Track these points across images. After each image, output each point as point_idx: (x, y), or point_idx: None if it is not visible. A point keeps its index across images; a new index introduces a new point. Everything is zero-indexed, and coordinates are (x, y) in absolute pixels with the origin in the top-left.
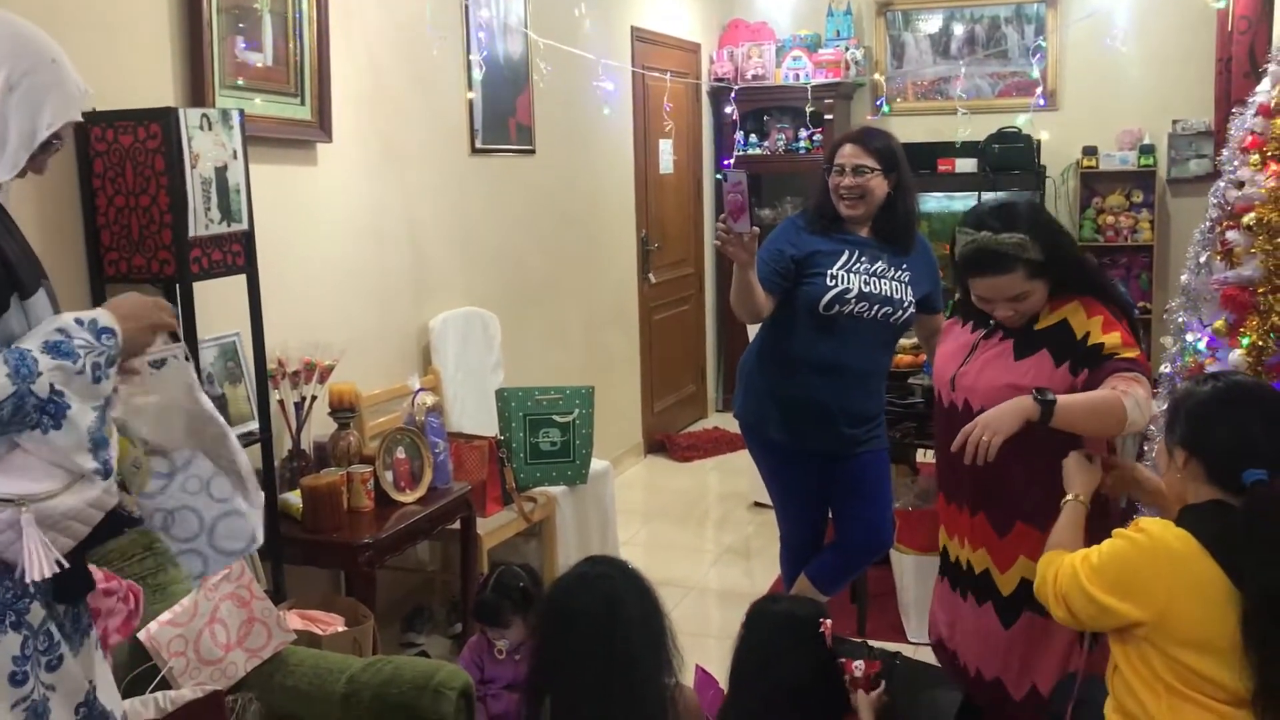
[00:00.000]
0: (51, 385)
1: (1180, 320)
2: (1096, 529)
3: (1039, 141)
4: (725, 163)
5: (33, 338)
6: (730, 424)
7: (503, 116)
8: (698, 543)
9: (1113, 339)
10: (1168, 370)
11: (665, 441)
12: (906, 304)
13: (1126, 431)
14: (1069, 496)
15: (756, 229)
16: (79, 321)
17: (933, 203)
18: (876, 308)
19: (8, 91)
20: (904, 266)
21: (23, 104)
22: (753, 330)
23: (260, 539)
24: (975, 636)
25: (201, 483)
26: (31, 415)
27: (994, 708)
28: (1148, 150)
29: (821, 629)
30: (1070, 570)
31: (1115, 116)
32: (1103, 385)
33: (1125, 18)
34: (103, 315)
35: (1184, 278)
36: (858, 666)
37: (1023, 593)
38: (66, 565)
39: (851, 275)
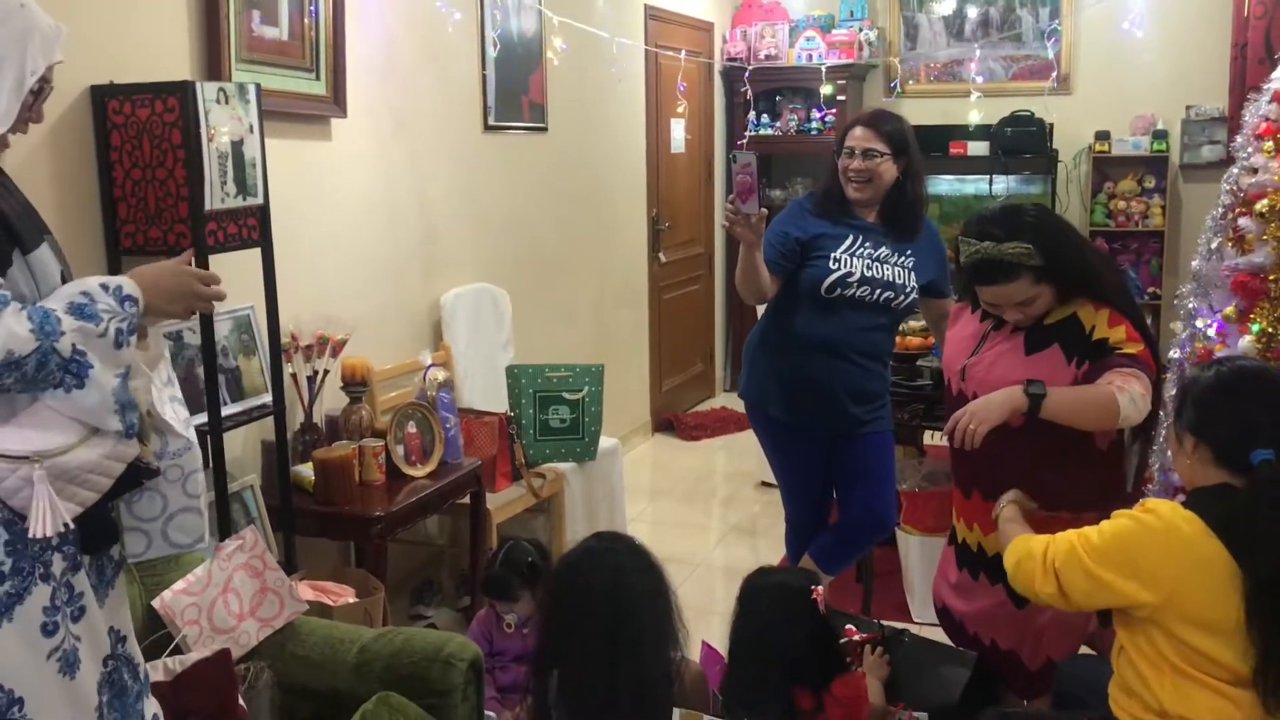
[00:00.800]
0: (74, 345)
1: (1190, 306)
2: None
3: (1051, 125)
4: (739, 143)
5: (57, 299)
6: (738, 404)
7: (515, 94)
8: (704, 521)
9: (1118, 333)
10: (1177, 356)
11: (673, 420)
12: (909, 289)
13: (1120, 425)
14: (1004, 501)
15: (764, 210)
16: (104, 286)
17: (944, 185)
18: (879, 292)
19: None
20: (909, 253)
21: (8, 54)
22: (761, 311)
23: (207, 540)
24: (988, 612)
25: (182, 473)
26: (55, 374)
27: (1009, 675)
28: (1161, 135)
29: (814, 596)
30: (1067, 547)
31: (1129, 101)
32: (1100, 379)
33: (1141, 2)
34: (127, 283)
35: (1195, 264)
36: (853, 631)
37: None
38: (70, 524)
39: (855, 259)
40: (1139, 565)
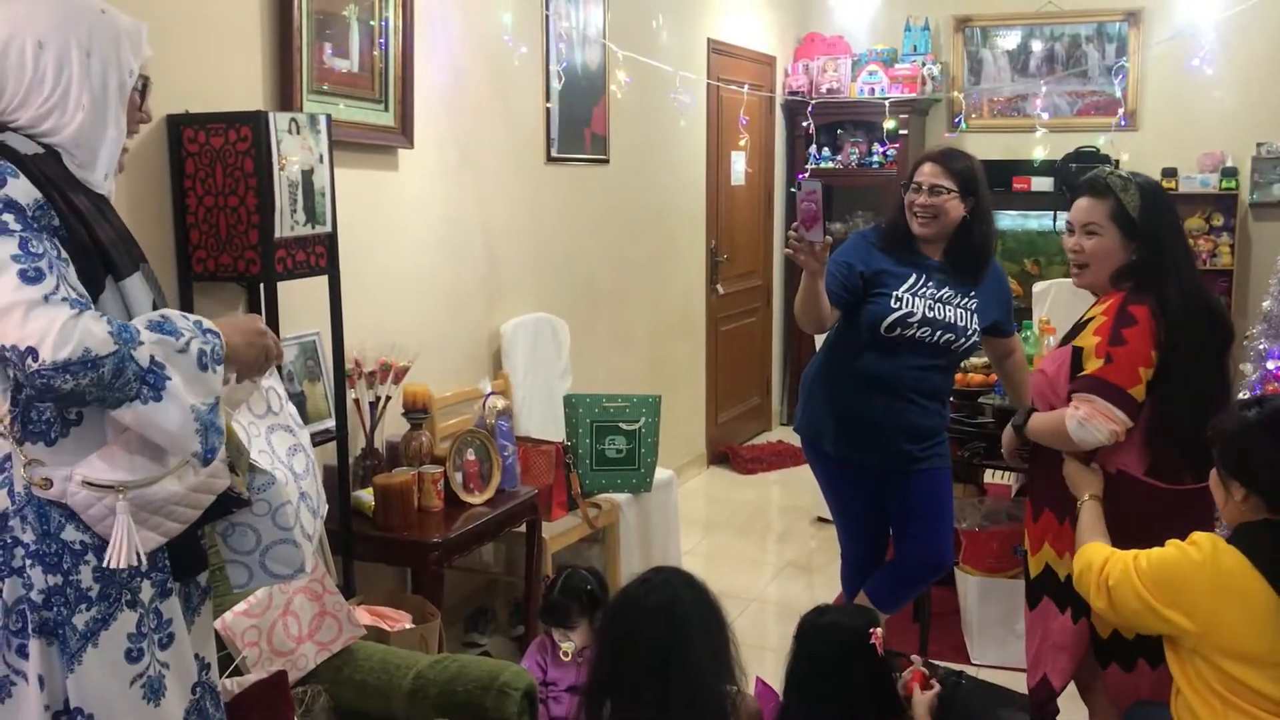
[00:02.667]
0: (152, 357)
1: (1261, 347)
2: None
3: (1117, 162)
4: (800, 176)
5: (137, 318)
6: (794, 438)
7: (578, 126)
8: (759, 555)
9: (1089, 341)
10: (1249, 397)
11: (729, 453)
12: (970, 332)
13: (1080, 448)
14: (1083, 499)
15: (829, 238)
16: (183, 315)
17: (1007, 221)
18: (939, 334)
19: (86, 58)
20: (972, 294)
21: (105, 63)
22: (819, 344)
23: (308, 570)
24: (1062, 642)
25: (269, 507)
26: (132, 384)
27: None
28: (1230, 173)
29: (872, 639)
30: (1123, 565)
31: (1197, 138)
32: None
33: (1211, 39)
34: (206, 320)
35: (1266, 304)
36: (913, 670)
37: (1044, 579)
38: (143, 561)
39: (917, 299)
40: (1180, 594)
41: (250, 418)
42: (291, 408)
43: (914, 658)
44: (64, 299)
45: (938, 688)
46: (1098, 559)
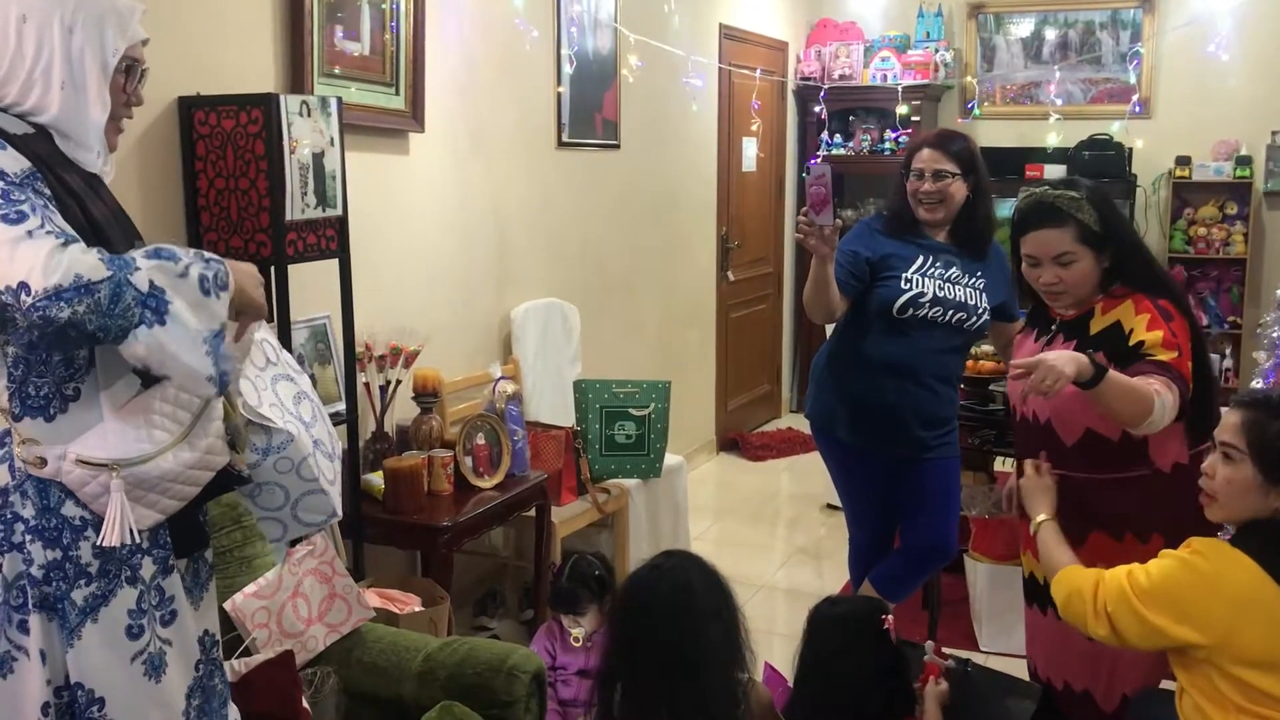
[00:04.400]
0: (151, 281)
1: (1275, 335)
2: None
3: (1131, 150)
4: (812, 160)
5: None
6: (804, 425)
7: (589, 111)
8: (768, 542)
9: (1153, 336)
10: (1261, 386)
11: (738, 440)
12: (981, 310)
13: (1140, 431)
14: (1039, 520)
15: (839, 222)
16: (183, 248)
17: None
18: (951, 313)
19: (68, 34)
20: (979, 274)
21: (87, 39)
22: (830, 331)
23: (339, 513)
24: (1053, 651)
25: (292, 464)
26: (133, 309)
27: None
28: (1244, 161)
29: (885, 626)
30: (1117, 589)
31: (1211, 126)
32: (1143, 379)
33: (1227, 25)
34: (208, 252)
35: (1278, 293)
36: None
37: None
38: (138, 538)
39: (926, 279)
40: (1189, 610)
41: (254, 371)
42: (287, 355)
43: (927, 644)
44: (49, 232)
45: (946, 685)
46: (1086, 584)
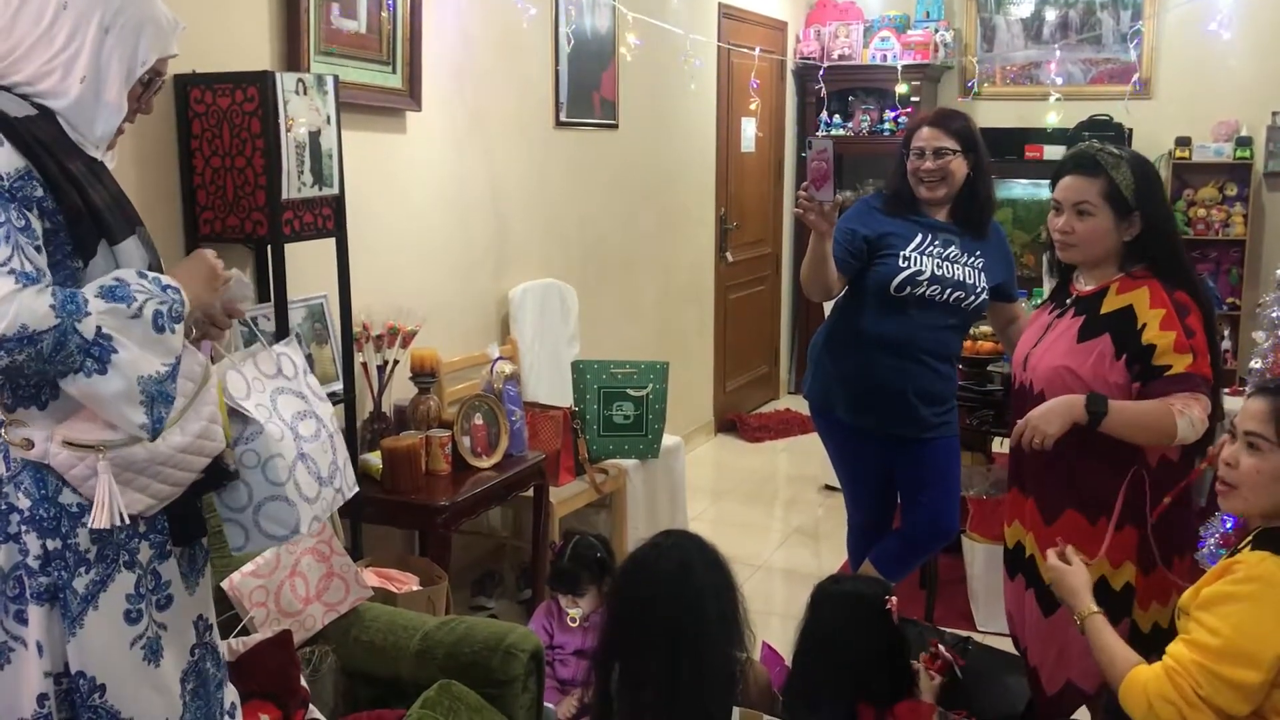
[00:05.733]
0: (99, 328)
1: (1274, 315)
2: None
3: (1130, 130)
4: (813, 136)
5: (90, 284)
6: (802, 406)
7: (587, 90)
8: (766, 522)
9: (1165, 340)
10: (1259, 366)
11: (736, 421)
12: (979, 289)
13: (1174, 444)
14: (1084, 613)
15: (839, 198)
16: (140, 274)
17: (1019, 189)
18: (949, 291)
19: (103, 34)
20: (978, 253)
21: (120, 44)
22: (828, 312)
23: (303, 531)
24: (1020, 618)
25: (258, 458)
26: (75, 356)
27: (1033, 695)
28: (1244, 142)
29: (888, 606)
30: (1196, 667)
31: (1212, 106)
32: (1163, 398)
33: (1228, 4)
34: (164, 276)
35: (1278, 273)
36: (940, 650)
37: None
38: (126, 520)
39: (925, 257)
40: (1269, 639)
41: (255, 372)
42: (314, 381)
43: (927, 626)
44: (10, 271)
45: (940, 679)
46: (1163, 683)
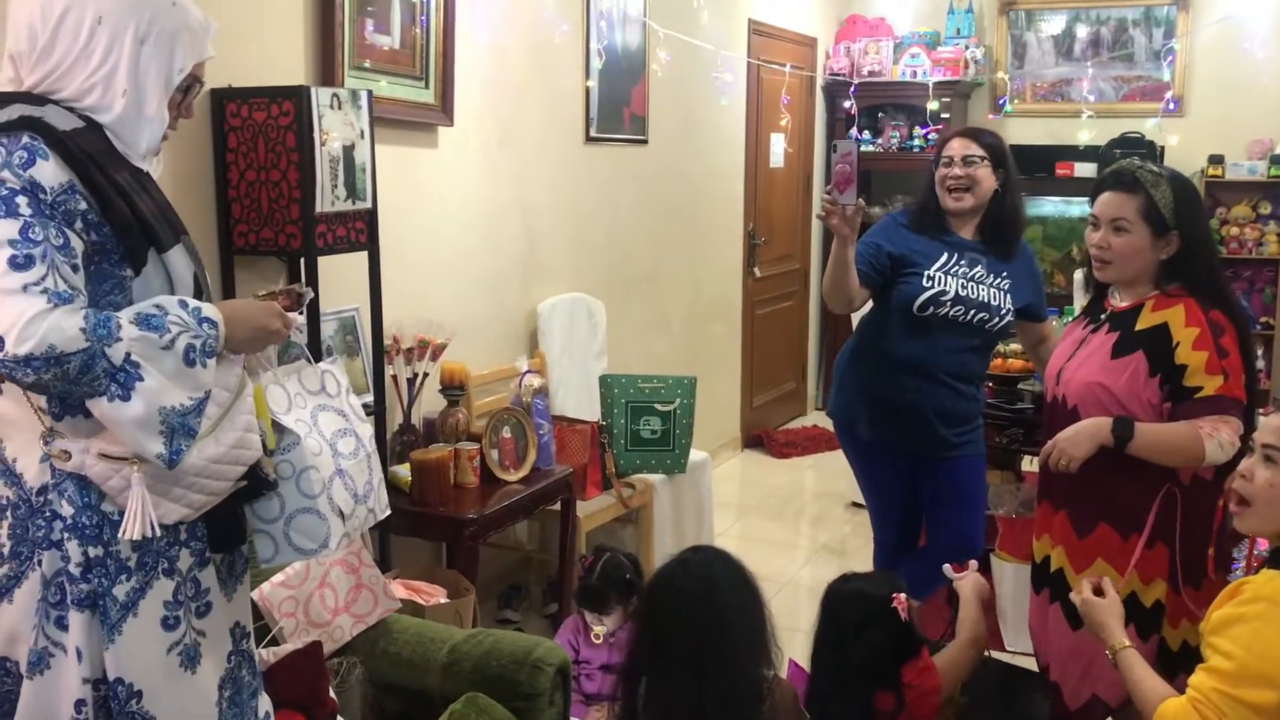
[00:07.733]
0: (128, 354)
1: None
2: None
3: (1163, 148)
4: (841, 138)
5: (128, 308)
6: (829, 423)
7: (617, 106)
8: (792, 539)
9: (1197, 360)
10: None
11: (763, 437)
12: (1004, 311)
13: (1205, 464)
14: (1116, 646)
15: (862, 202)
16: (182, 304)
17: (1049, 207)
18: (972, 313)
19: (139, 45)
20: (1004, 274)
21: (156, 53)
22: (853, 328)
23: (332, 547)
24: (1043, 633)
25: (293, 469)
26: (101, 380)
27: (1054, 711)
28: (1278, 161)
29: (895, 604)
30: (1217, 694)
31: (1245, 125)
32: (1191, 420)
33: (1263, 23)
34: (208, 307)
35: None
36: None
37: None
38: (158, 531)
39: (949, 277)
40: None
41: (298, 388)
42: (355, 400)
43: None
44: (44, 290)
45: (975, 565)
46: (1190, 713)
